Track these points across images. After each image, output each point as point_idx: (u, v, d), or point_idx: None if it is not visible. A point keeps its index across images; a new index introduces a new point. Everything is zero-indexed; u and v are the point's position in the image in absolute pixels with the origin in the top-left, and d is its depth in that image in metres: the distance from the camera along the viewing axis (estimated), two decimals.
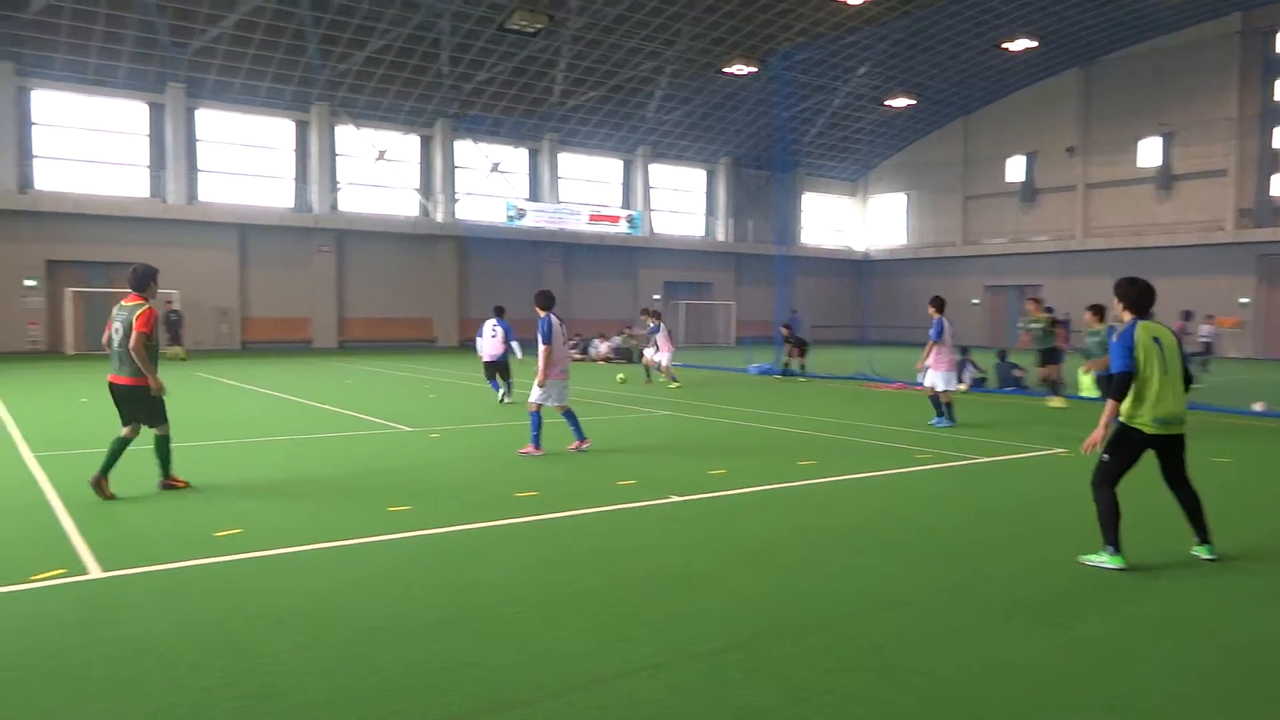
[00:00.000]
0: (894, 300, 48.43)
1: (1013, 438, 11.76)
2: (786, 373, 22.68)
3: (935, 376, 13.14)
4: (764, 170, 47.76)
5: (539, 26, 32.85)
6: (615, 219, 42.53)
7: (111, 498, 7.60)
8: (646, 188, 44.49)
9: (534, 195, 41.63)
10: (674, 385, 19.44)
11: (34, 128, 31.13)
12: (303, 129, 35.90)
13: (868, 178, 52.88)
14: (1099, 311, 12.54)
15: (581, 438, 10.52)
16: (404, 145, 38.40)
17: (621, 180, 44.78)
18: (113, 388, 7.91)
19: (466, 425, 13.21)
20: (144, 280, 7.95)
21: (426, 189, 38.99)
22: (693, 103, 41.58)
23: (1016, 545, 6.64)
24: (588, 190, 43.70)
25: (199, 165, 33.99)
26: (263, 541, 6.37)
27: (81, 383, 19.28)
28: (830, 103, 43.81)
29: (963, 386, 17.83)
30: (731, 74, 37.74)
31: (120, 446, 7.84)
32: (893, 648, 4.54)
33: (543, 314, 10.47)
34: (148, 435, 8.03)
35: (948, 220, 48.39)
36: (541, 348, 10.27)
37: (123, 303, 7.88)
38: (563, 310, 40.56)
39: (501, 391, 16.08)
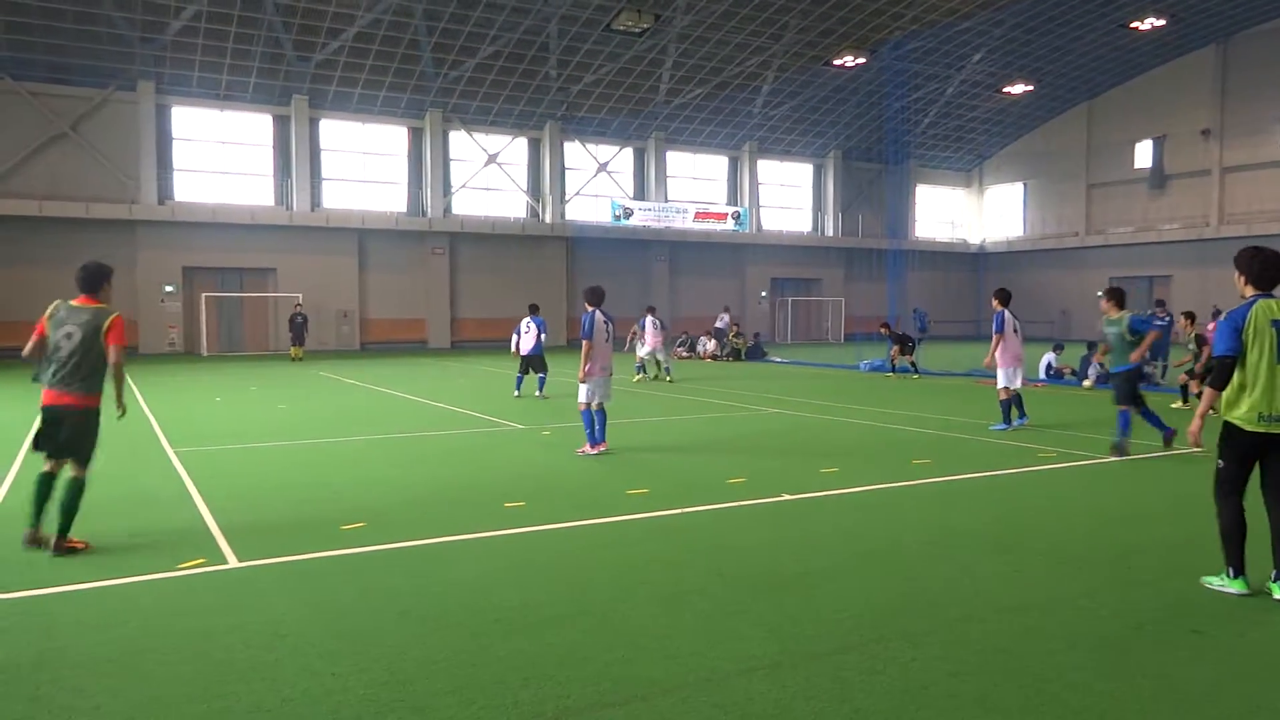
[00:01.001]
0: (1012, 293, 46.67)
1: (1144, 436, 11.20)
2: (898, 369, 22.18)
3: (1000, 373, 12.49)
4: (875, 163, 46.78)
5: (645, 26, 33.05)
6: (722, 216, 42.38)
7: (78, 549, 6.02)
8: (753, 184, 44.18)
9: (640, 194, 41.85)
10: (667, 379, 19.43)
11: (173, 142, 33.04)
12: (417, 135, 37.01)
13: (983, 168, 51.19)
14: (1117, 297, 10.79)
15: (599, 440, 10.28)
16: (513, 148, 39.15)
17: (728, 177, 44.59)
18: (53, 410, 6.16)
19: (577, 423, 13.35)
20: (98, 279, 6.47)
21: (535, 191, 39.67)
22: (800, 96, 41.08)
23: (1146, 553, 6.33)
24: (694, 188, 43.68)
25: (321, 173, 35.44)
26: (385, 535, 6.61)
27: (216, 383, 20.38)
28: (943, 91, 42.62)
29: (1087, 384, 17.09)
30: (840, 66, 37.13)
31: (48, 486, 6.16)
32: (1016, 652, 4.40)
33: (589, 309, 10.43)
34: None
35: (1069, 209, 46.41)
36: (584, 344, 10.28)
37: (71, 304, 6.30)
38: (669, 309, 40.92)
39: (521, 388, 16.72)
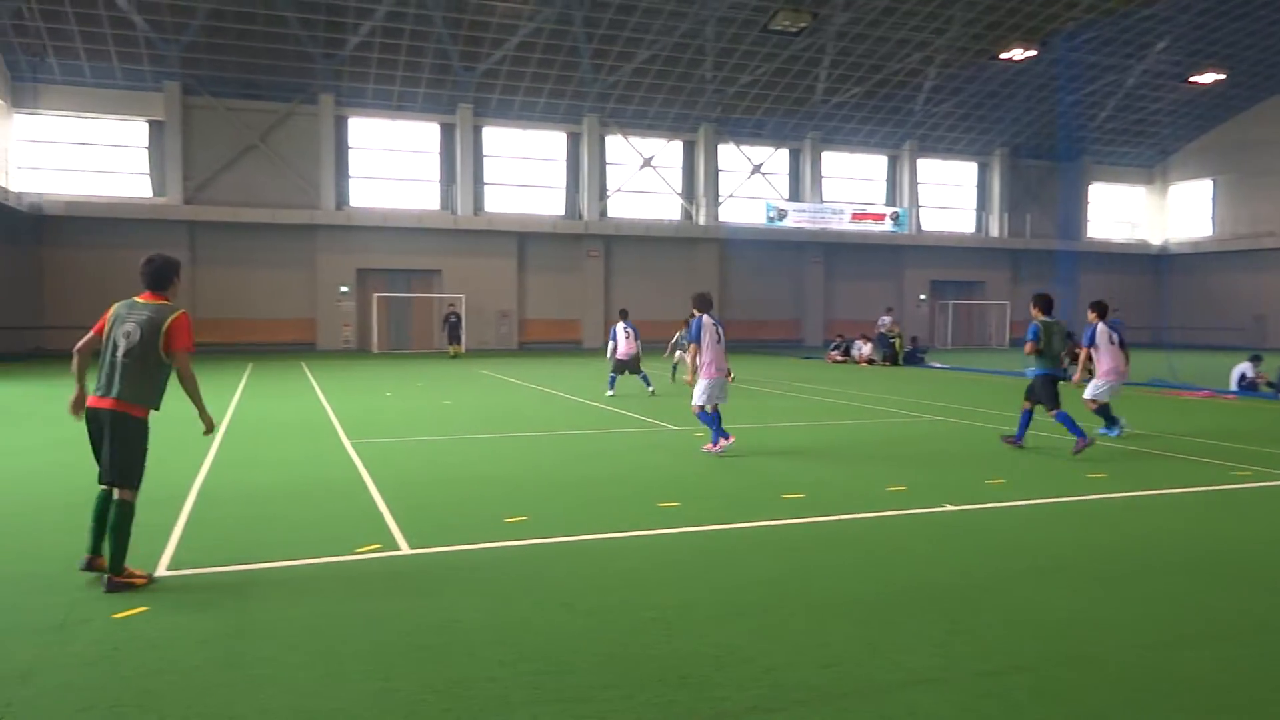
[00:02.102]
0: (1198, 298, 43.53)
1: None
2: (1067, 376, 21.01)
3: (1096, 385, 11.91)
4: (1045, 160, 44.54)
5: (802, 25, 32.68)
6: (880, 217, 41.34)
7: (136, 583, 5.29)
8: (913, 183, 42.89)
9: (795, 196, 41.37)
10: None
11: (349, 151, 35.09)
12: (574, 140, 37.87)
13: (1166, 163, 47.84)
14: (1043, 304, 10.82)
15: (725, 435, 10.36)
16: (668, 151, 39.47)
17: (886, 177, 43.47)
18: (99, 415, 5.41)
19: (729, 425, 13.33)
20: (166, 274, 5.68)
21: (689, 193, 39.85)
22: (964, 92, 39.58)
23: None
24: (851, 189, 42.81)
25: (484, 178, 36.81)
26: (546, 529, 6.78)
27: (386, 378, 21.49)
28: (1122, 83, 40.11)
29: None
30: (1008, 59, 35.54)
31: (106, 505, 5.45)
32: (1209, 684, 4.08)
33: (696, 314, 10.66)
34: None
35: (1267, 208, 42.71)
36: (689, 346, 10.59)
37: (135, 300, 5.61)
38: (824, 311, 40.25)
39: (615, 388, 17.35)
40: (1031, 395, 10.76)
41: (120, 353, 5.40)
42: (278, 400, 16.35)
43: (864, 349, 29.74)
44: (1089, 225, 46.72)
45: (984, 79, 38.51)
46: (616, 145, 38.49)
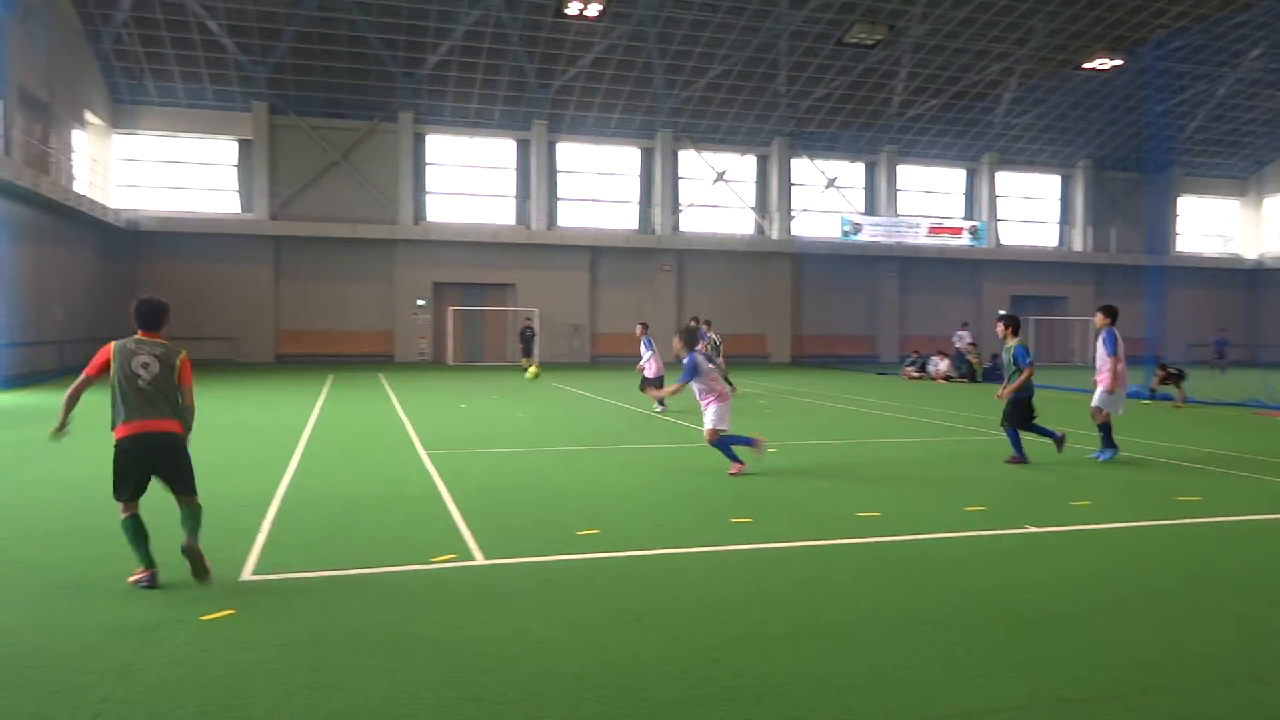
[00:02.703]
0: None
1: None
2: (1158, 396, 20.29)
3: (1100, 394, 11.30)
4: (1131, 172, 43.25)
5: (878, 38, 32.38)
6: (957, 231, 40.60)
7: (207, 575, 5.60)
8: (992, 196, 42.05)
9: (870, 209, 40.90)
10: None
11: (427, 167, 35.87)
12: (647, 155, 38.07)
13: (1262, 174, 46.01)
14: (1012, 324, 11.20)
15: (735, 459, 9.93)
16: (741, 165, 39.40)
17: (965, 190, 42.69)
18: (147, 438, 5.66)
19: (803, 441, 13.22)
20: (161, 316, 6.03)
21: (762, 207, 39.70)
22: (1046, 103, 38.71)
23: None
24: (927, 202, 42.15)
25: (558, 193, 37.23)
26: (618, 543, 6.80)
27: (460, 390, 21.82)
28: (1214, 92, 38.78)
29: None
30: (1092, 69, 34.69)
31: (139, 523, 5.69)
32: None
33: (689, 352, 10.10)
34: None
35: None
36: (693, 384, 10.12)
37: (138, 339, 5.88)
38: (899, 326, 39.57)
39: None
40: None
41: (144, 382, 5.68)
42: (357, 410, 16.73)
43: (940, 365, 29.17)
44: (1178, 239, 45.16)
45: (1066, 89, 37.60)
46: (689, 160, 38.58)
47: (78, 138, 28.91)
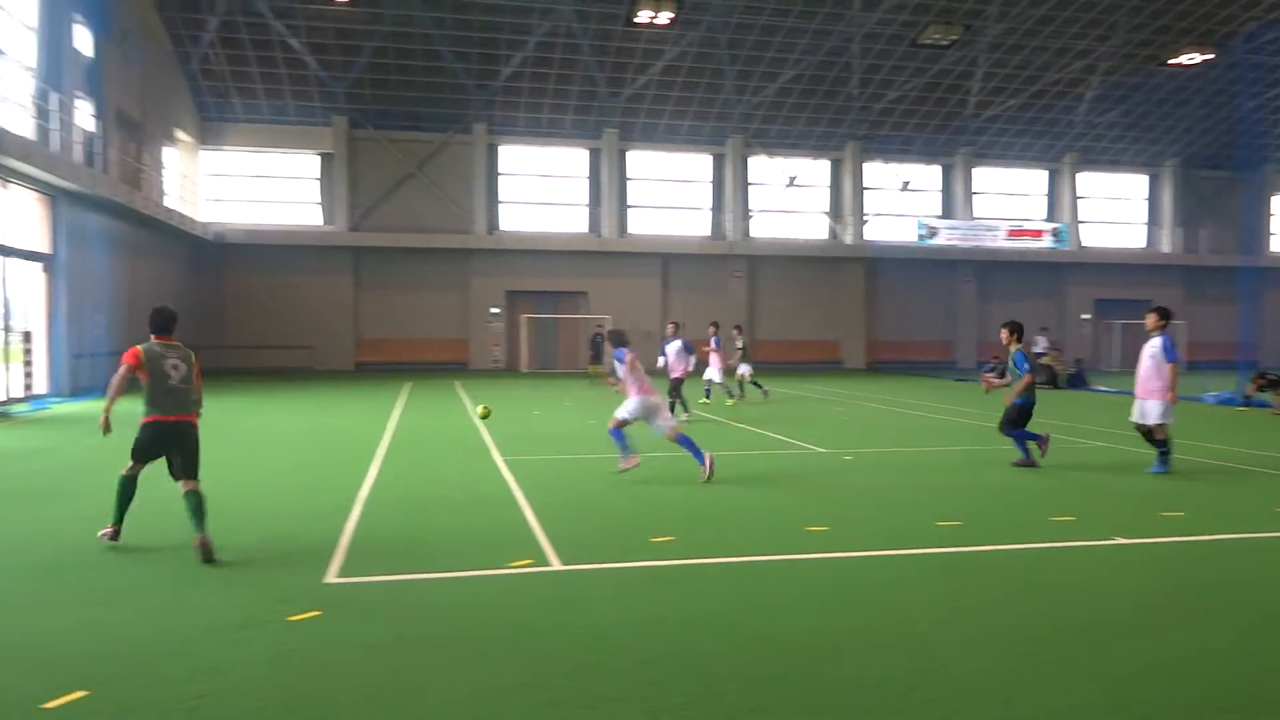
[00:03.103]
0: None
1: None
2: (1253, 402, 19.45)
3: (1153, 406, 10.55)
4: (1222, 170, 41.60)
5: (954, 38, 31.83)
6: (1038, 233, 39.56)
7: (214, 560, 6.33)
8: (1074, 198, 40.87)
9: (947, 213, 40.14)
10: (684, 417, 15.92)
11: (500, 178, 36.38)
12: (719, 161, 37.99)
13: None
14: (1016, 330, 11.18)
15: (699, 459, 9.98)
16: (813, 170, 39.05)
17: (1045, 191, 41.60)
18: (174, 426, 6.80)
19: (879, 448, 13.02)
20: (172, 322, 7.12)
21: (835, 212, 39.28)
22: (1130, 101, 37.50)
23: None
24: (1006, 204, 41.19)
25: (628, 201, 37.39)
26: (693, 550, 6.78)
27: (534, 397, 22.03)
28: None
29: None
30: (1179, 64, 33.47)
31: (133, 486, 6.91)
32: None
33: (617, 348, 10.67)
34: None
35: None
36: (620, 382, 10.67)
37: (165, 342, 6.96)
38: (977, 332, 38.62)
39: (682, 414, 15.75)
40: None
41: (174, 381, 6.84)
42: (434, 417, 17.03)
43: None
44: (1272, 239, 43.28)
45: (1152, 86, 36.37)
46: (760, 165, 38.39)
47: (168, 154, 30.09)
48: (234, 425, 15.34)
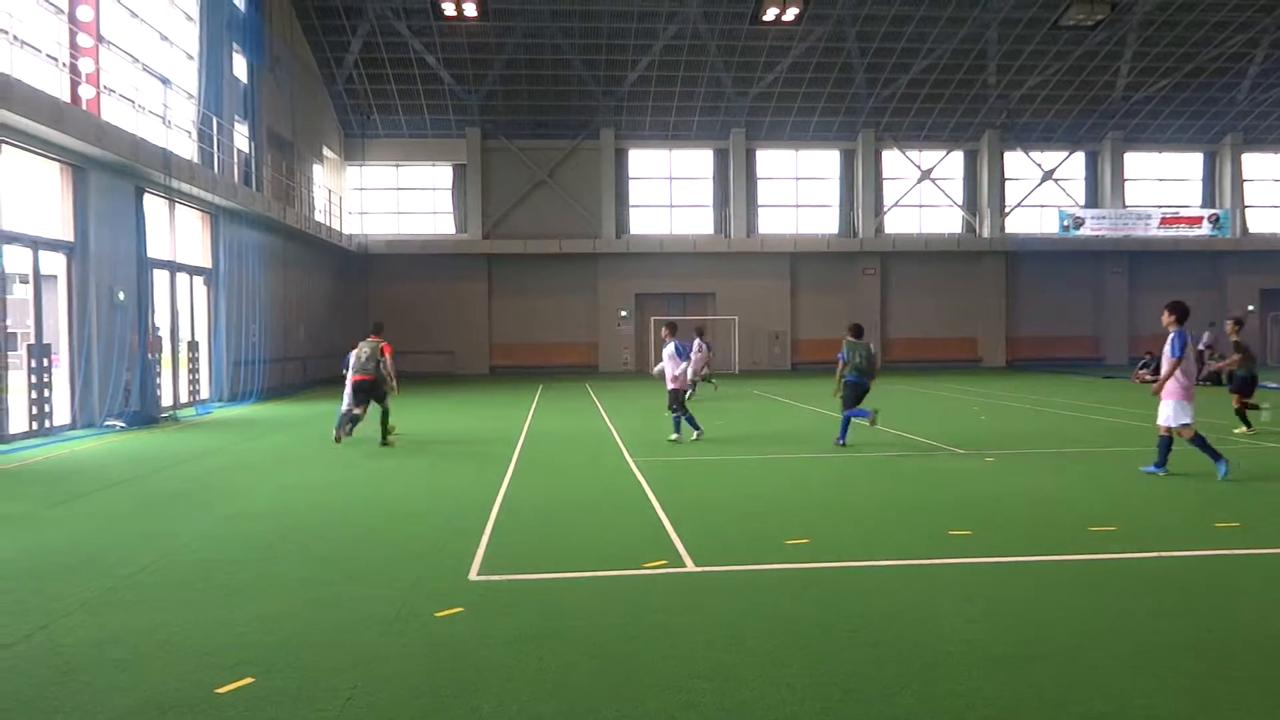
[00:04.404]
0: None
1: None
2: None
3: (1167, 407, 9.68)
4: None
5: (1099, 18, 30.27)
6: (1195, 220, 37.14)
7: (392, 443, 13.25)
8: (1237, 181, 38.15)
9: (1092, 201, 38.17)
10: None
11: (629, 181, 36.77)
12: (848, 157, 37.28)
13: None
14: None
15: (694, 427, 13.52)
16: (948, 162, 37.83)
17: (1202, 175, 39.01)
18: (365, 382, 13.25)
19: (1022, 449, 12.50)
20: (378, 328, 13.98)
21: (971, 204, 37.94)
22: None
23: None
24: (1159, 191, 38.85)
25: (757, 200, 37.14)
26: (828, 553, 6.68)
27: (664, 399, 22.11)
28: None
29: None
30: None
31: (354, 421, 13.47)
32: None
33: (669, 338, 13.69)
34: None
35: None
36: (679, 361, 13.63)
37: (369, 339, 13.62)
38: (1125, 325, 36.70)
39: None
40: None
41: (364, 358, 13.44)
42: (567, 419, 17.36)
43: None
44: None
45: None
46: (893, 159, 37.47)
47: (316, 171, 31.76)
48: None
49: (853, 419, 12.78)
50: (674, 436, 13.60)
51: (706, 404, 19.91)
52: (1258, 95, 35.81)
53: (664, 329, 14.32)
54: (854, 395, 12.77)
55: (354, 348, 13.53)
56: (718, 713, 3.94)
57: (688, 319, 36.27)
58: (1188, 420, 9.69)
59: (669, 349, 13.81)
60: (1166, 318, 9.97)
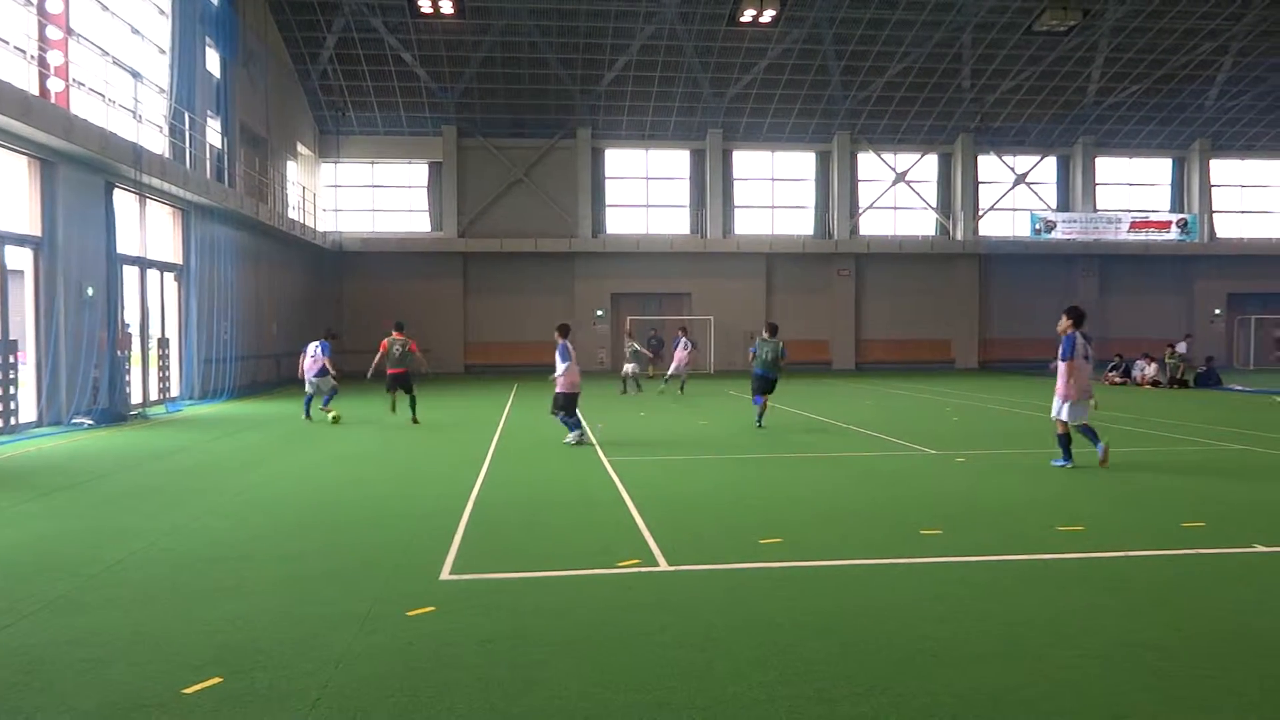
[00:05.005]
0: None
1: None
2: None
3: (1059, 404, 10.62)
4: None
5: (1072, 23, 30.61)
6: (1164, 225, 37.66)
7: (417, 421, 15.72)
8: (1205, 186, 38.72)
9: (1064, 205, 38.60)
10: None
11: (605, 181, 36.74)
12: (824, 159, 37.46)
13: None
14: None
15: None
16: (922, 165, 38.11)
17: (1171, 181, 39.56)
18: (400, 375, 15.97)
19: (993, 450, 12.61)
20: (404, 328, 16.34)
21: (945, 207, 38.24)
22: (1268, 82, 35.27)
23: None
24: (1129, 195, 39.35)
25: (733, 201, 37.23)
26: (802, 552, 6.71)
27: (640, 398, 22.12)
28: None
29: None
30: None
31: (393, 406, 16.62)
32: None
33: (561, 339, 13.77)
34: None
35: None
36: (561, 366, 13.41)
37: (396, 336, 16.02)
38: (1098, 328, 37.11)
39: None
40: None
41: (397, 353, 15.92)
42: (541, 418, 17.29)
43: (1147, 369, 27.15)
44: None
45: None
46: (868, 162, 37.68)
47: (290, 168, 31.45)
48: (352, 425, 15.92)
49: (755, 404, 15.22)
50: (569, 439, 13.12)
51: (681, 403, 19.91)
52: (1225, 102, 36.36)
53: (555, 331, 14.24)
54: (759, 386, 15.20)
55: (384, 345, 16.21)
56: (690, 712, 3.94)
57: (664, 319, 36.34)
58: (1069, 419, 10.64)
59: (633, 349, 17.06)
60: (1063, 322, 10.73)
